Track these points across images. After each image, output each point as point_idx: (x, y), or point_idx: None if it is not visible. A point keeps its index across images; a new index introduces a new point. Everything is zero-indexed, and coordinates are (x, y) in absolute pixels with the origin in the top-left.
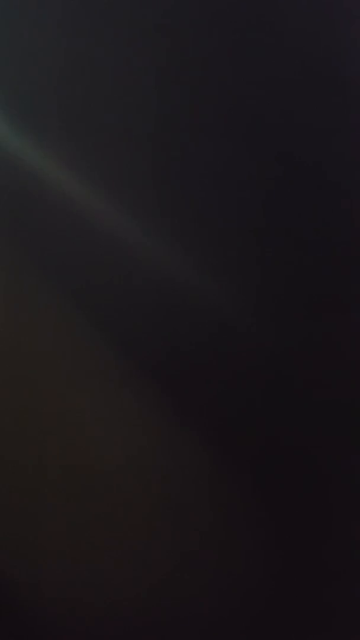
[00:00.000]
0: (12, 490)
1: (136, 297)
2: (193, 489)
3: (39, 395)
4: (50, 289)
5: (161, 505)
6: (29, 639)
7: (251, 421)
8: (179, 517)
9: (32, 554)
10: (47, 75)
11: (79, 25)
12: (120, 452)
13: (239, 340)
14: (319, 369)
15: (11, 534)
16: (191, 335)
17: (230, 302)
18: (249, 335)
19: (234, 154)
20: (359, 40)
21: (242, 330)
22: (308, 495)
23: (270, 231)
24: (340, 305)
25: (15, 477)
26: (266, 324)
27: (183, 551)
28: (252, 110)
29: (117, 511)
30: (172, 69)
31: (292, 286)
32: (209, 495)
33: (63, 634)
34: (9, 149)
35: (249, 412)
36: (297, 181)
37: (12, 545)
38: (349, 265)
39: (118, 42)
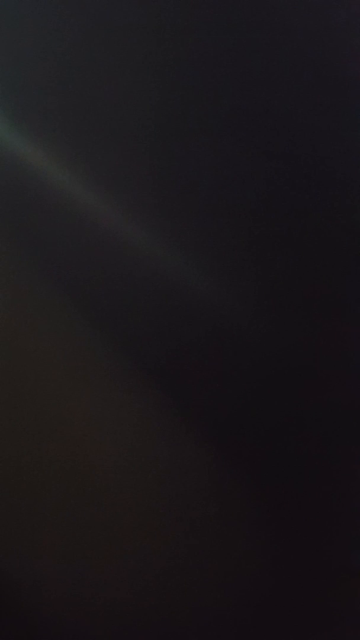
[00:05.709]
0: (12, 490)
1: (136, 297)
2: (193, 488)
3: (38, 395)
4: (50, 289)
5: (161, 505)
6: (29, 639)
7: (252, 420)
8: (180, 517)
9: (32, 554)
10: (47, 74)
11: (79, 24)
12: (120, 451)
13: (239, 339)
14: (319, 369)
15: (11, 534)
16: (191, 335)
17: (230, 301)
18: (249, 335)
19: (234, 153)
20: (359, 40)
21: (242, 329)
22: (309, 494)
23: (271, 231)
24: (341, 304)
25: (15, 477)
26: (266, 324)
27: (183, 550)
28: (252, 109)
29: (117, 510)
30: (172, 68)
31: (293, 286)
32: (210, 495)
33: (63, 634)
34: (9, 149)
35: (249, 411)
36: (298, 181)
37: (12, 545)
38: (350, 264)
39: (118, 40)
